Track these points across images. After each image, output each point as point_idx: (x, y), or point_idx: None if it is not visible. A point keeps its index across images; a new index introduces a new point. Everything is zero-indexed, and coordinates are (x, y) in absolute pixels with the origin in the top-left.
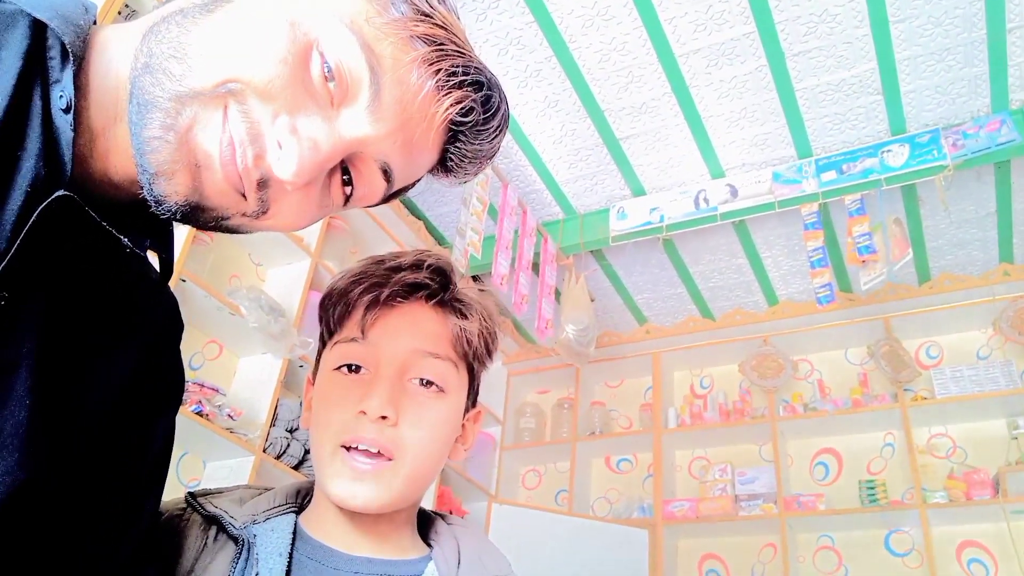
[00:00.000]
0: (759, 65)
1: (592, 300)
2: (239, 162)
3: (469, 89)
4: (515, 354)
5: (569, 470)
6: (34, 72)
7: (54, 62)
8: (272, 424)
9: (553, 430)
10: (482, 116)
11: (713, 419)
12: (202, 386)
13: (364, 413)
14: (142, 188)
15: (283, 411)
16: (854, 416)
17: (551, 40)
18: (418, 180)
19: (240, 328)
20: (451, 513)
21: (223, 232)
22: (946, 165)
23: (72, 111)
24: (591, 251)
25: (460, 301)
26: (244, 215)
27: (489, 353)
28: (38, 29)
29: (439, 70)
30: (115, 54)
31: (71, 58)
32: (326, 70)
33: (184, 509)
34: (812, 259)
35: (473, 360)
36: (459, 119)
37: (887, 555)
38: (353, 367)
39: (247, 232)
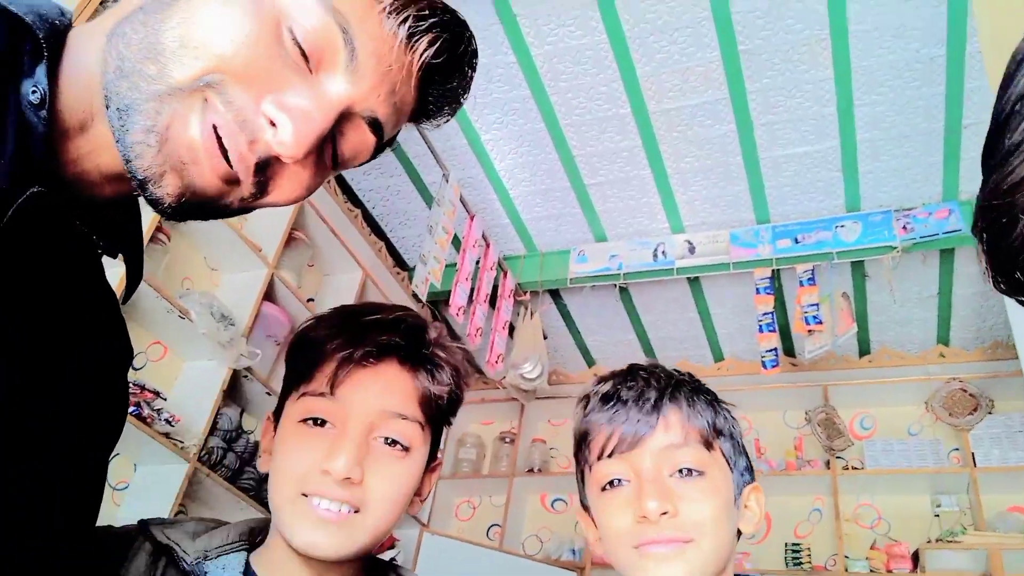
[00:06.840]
0: (728, 130)
1: (545, 338)
2: (232, 151)
3: (438, 30)
4: None
5: (504, 505)
6: (5, 67)
7: (26, 57)
8: (211, 433)
9: (492, 463)
10: (455, 53)
11: None
12: (143, 388)
13: (328, 472)
14: (134, 190)
15: (223, 420)
16: (787, 478)
17: (530, 80)
18: (400, 129)
19: (188, 332)
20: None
21: (232, 216)
22: (895, 246)
23: (46, 107)
24: (548, 290)
25: (433, 363)
26: (243, 199)
27: (454, 412)
28: (11, 24)
29: (407, 17)
30: (82, 52)
31: (44, 54)
32: (298, 43)
33: (135, 537)
34: (761, 323)
35: (440, 420)
36: (434, 61)
37: None
38: (319, 421)
39: (252, 211)
